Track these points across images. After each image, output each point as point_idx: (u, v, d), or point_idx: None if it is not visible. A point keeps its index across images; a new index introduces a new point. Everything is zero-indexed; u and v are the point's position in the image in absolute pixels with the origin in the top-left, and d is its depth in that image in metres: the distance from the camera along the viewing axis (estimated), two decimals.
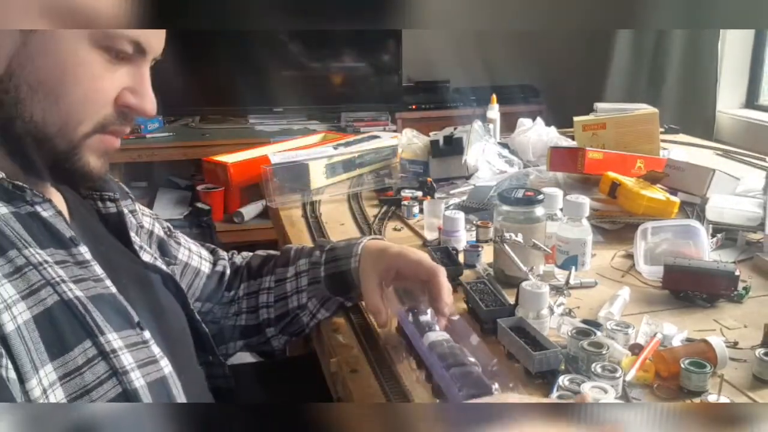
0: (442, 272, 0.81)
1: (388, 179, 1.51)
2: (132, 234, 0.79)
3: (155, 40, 0.64)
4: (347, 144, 1.65)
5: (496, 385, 0.62)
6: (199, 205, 2.44)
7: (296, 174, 1.45)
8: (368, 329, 0.87)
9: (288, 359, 1.17)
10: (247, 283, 0.96)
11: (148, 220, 0.88)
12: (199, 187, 2.50)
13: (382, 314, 0.81)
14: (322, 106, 2.92)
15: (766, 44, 2.44)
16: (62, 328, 0.56)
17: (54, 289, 0.57)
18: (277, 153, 1.53)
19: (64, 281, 0.58)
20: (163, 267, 0.82)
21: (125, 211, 0.79)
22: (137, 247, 0.78)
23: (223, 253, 1.01)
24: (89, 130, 0.62)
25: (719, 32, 2.41)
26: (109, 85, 0.62)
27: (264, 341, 0.95)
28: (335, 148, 1.59)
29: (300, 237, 1.23)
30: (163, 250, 0.90)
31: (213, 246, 1.02)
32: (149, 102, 0.65)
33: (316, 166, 1.48)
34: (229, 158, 1.71)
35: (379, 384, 0.74)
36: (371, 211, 1.34)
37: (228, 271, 0.97)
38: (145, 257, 0.79)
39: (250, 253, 1.02)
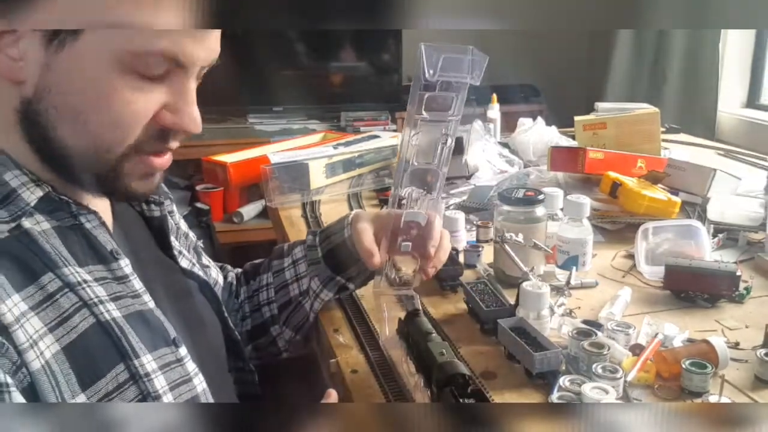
0: (437, 218, 0.82)
1: (388, 179, 1.50)
2: (172, 238, 0.79)
3: (198, 49, 0.58)
4: (347, 144, 1.65)
5: None
6: (199, 205, 2.44)
7: (296, 174, 1.44)
8: (368, 330, 0.86)
9: (288, 360, 1.16)
10: (246, 286, 0.97)
11: (184, 224, 0.89)
12: (198, 187, 2.50)
13: (375, 256, 0.80)
14: (322, 105, 2.91)
15: (767, 44, 2.44)
16: (95, 352, 0.56)
17: (91, 310, 0.57)
18: (276, 153, 1.52)
19: (101, 302, 0.58)
20: (201, 273, 0.82)
21: (167, 214, 0.79)
22: (176, 252, 0.79)
23: (229, 267, 1.02)
24: (124, 152, 0.59)
25: (720, 32, 2.41)
26: (142, 107, 0.58)
27: (270, 341, 0.95)
28: (335, 147, 1.59)
29: (300, 237, 1.22)
30: (198, 253, 0.90)
31: (220, 263, 1.03)
32: (188, 119, 0.60)
33: (315, 165, 1.48)
34: (228, 158, 1.71)
35: (379, 384, 0.74)
36: (371, 211, 1.34)
37: (234, 282, 0.98)
38: (183, 263, 0.79)
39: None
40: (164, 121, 0.60)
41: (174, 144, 0.62)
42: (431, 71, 0.65)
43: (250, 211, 2.49)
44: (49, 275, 0.56)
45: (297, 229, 1.26)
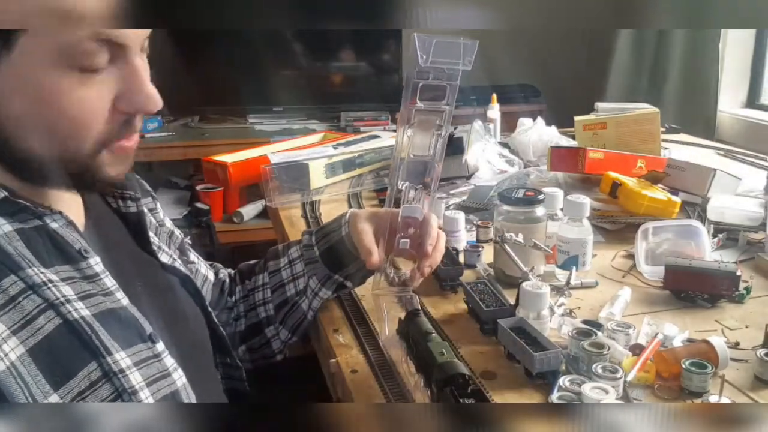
0: (433, 217, 0.82)
1: (387, 179, 1.50)
2: (151, 234, 0.78)
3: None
4: (347, 144, 1.65)
5: None
6: (199, 205, 2.43)
7: (296, 174, 1.44)
8: (368, 329, 0.86)
9: (288, 359, 1.17)
10: (242, 286, 0.97)
11: (170, 221, 0.88)
12: (198, 187, 2.50)
13: (375, 255, 0.81)
14: (322, 105, 2.91)
15: (767, 44, 2.44)
16: (65, 352, 0.56)
17: (57, 310, 0.56)
18: (276, 153, 1.53)
19: (68, 301, 0.57)
20: (182, 268, 0.81)
21: (145, 210, 0.79)
22: (155, 248, 0.78)
23: (220, 265, 1.02)
24: (94, 149, 0.59)
25: (720, 32, 2.41)
26: (96, 102, 0.57)
27: (264, 342, 0.94)
28: (335, 147, 1.59)
29: (299, 237, 1.23)
30: (183, 250, 0.90)
31: (211, 262, 1.03)
32: (146, 100, 0.60)
33: (315, 165, 1.48)
34: (228, 158, 1.71)
35: (379, 384, 0.74)
36: (368, 210, 1.34)
37: (227, 280, 0.98)
38: (164, 258, 0.78)
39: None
40: (124, 109, 0.59)
41: (140, 125, 0.62)
42: (424, 56, 0.66)
43: (250, 211, 2.49)
44: (10, 278, 0.55)
45: (297, 229, 1.26)
